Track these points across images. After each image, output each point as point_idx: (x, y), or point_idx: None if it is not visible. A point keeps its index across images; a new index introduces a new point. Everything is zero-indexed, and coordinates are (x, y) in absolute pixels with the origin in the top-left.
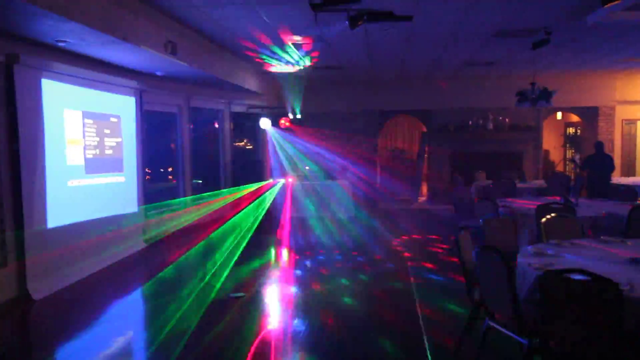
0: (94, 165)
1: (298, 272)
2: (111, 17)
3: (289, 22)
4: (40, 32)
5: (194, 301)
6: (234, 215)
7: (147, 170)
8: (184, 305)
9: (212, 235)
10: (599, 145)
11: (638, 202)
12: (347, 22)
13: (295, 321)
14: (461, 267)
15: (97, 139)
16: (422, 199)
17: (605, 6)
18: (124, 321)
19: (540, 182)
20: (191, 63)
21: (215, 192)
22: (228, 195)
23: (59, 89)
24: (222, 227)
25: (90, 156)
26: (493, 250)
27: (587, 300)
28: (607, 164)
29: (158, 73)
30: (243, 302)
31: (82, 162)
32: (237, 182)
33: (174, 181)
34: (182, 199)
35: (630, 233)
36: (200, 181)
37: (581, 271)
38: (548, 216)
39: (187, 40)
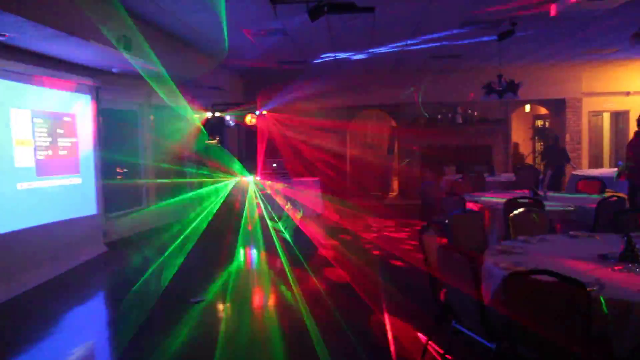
0: (46, 167)
1: (254, 274)
2: (55, 10)
3: (249, 14)
4: None
5: (155, 307)
6: (197, 217)
7: (118, 170)
8: (143, 312)
9: (175, 235)
10: (555, 139)
11: (606, 194)
12: (306, 14)
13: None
14: (425, 267)
15: (49, 139)
16: (393, 194)
17: None
18: (81, 330)
19: (509, 176)
20: (148, 59)
21: (180, 192)
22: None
23: (4, 86)
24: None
25: (42, 157)
26: (456, 250)
27: (555, 303)
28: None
29: (114, 70)
30: (202, 306)
31: (33, 164)
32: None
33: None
34: (145, 201)
35: (598, 227)
36: (166, 180)
37: (548, 272)
38: (516, 211)
39: (142, 35)
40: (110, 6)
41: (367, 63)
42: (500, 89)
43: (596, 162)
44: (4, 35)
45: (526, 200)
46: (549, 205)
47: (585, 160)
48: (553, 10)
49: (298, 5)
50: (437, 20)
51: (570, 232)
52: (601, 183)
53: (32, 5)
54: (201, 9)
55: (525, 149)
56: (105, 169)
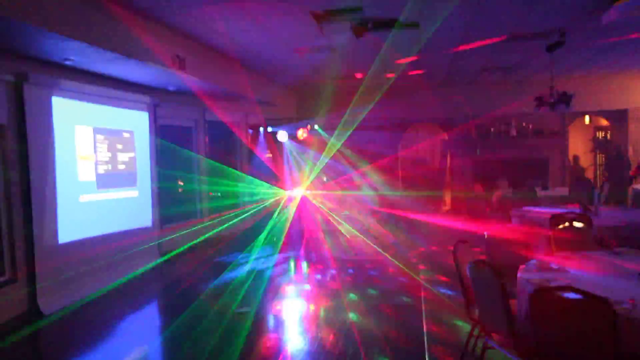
0: (105, 181)
1: (308, 286)
2: (114, 35)
3: (296, 33)
4: (46, 51)
5: (207, 317)
6: (252, 227)
7: (179, 182)
8: (197, 322)
9: (230, 247)
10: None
11: None
12: (350, 31)
13: (298, 337)
14: (460, 282)
15: (109, 154)
16: (446, 208)
17: (615, 4)
18: (136, 338)
19: (563, 190)
20: (201, 77)
21: (233, 203)
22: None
23: (70, 105)
24: (239, 239)
25: (102, 171)
26: (485, 264)
27: (581, 320)
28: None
29: (170, 88)
30: (247, 317)
31: (94, 178)
32: (256, 195)
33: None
34: (199, 210)
35: None
36: (219, 194)
37: (573, 289)
38: (560, 226)
39: (196, 54)
40: (165, 28)
41: (418, 76)
42: (552, 101)
43: None
44: (70, 60)
45: (573, 215)
46: (598, 221)
47: None
48: (604, 19)
49: (343, 23)
50: (484, 34)
51: (615, 249)
52: None
53: (95, 31)
54: (251, 29)
55: (585, 161)
56: (164, 181)
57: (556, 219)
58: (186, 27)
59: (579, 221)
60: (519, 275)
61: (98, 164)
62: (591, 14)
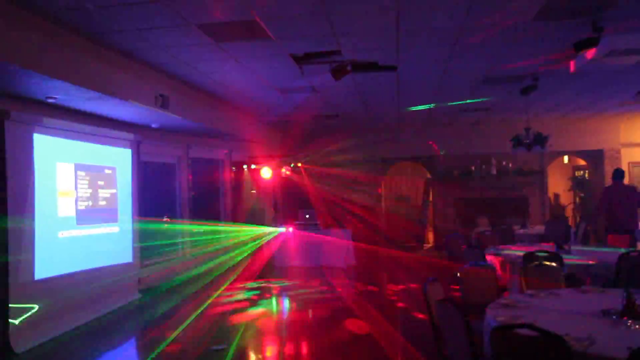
0: (86, 216)
1: (283, 324)
2: (97, 74)
3: (277, 73)
4: (28, 89)
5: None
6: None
7: (166, 219)
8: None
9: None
10: (619, 174)
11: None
12: (329, 73)
13: None
14: (429, 320)
15: (90, 190)
16: (428, 245)
17: (579, 53)
18: None
19: (540, 228)
20: (184, 115)
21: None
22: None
23: (52, 142)
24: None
25: (83, 207)
26: (451, 302)
27: (537, 358)
28: (630, 194)
29: (153, 125)
30: (224, 355)
31: (74, 214)
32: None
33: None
34: (181, 247)
35: (620, 282)
36: (202, 230)
37: (530, 326)
38: (529, 265)
39: (179, 93)
40: (148, 68)
41: (400, 115)
42: (528, 142)
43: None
44: (53, 98)
45: (545, 254)
46: (570, 260)
47: None
48: (572, 66)
49: (322, 65)
50: (460, 78)
51: (583, 287)
52: (631, 237)
53: (77, 71)
54: (234, 70)
55: (565, 200)
56: (147, 218)
57: (528, 258)
58: (169, 66)
59: (549, 260)
60: (487, 312)
61: (78, 200)
62: (561, 60)
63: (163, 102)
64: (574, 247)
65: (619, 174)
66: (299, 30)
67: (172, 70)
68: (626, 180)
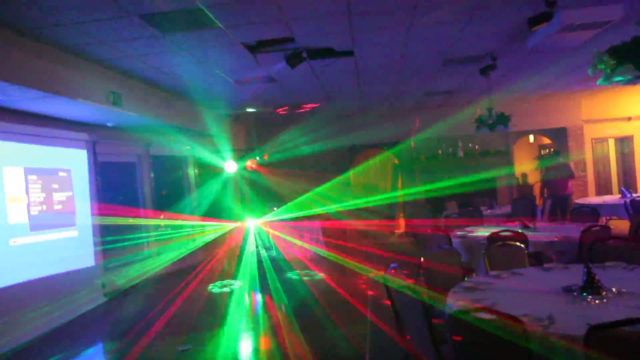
0: (39, 222)
1: (249, 320)
2: (38, 72)
3: (232, 63)
4: None
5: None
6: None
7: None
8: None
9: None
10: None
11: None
12: (285, 61)
13: None
14: (391, 307)
15: (44, 194)
16: (399, 231)
17: (532, 29)
18: None
19: (508, 209)
20: (140, 112)
21: (181, 241)
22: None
23: None
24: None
25: (36, 213)
26: (407, 289)
27: (494, 340)
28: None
29: (109, 124)
30: (189, 356)
31: (26, 220)
32: (206, 228)
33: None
34: (145, 246)
35: (583, 257)
36: (170, 228)
37: (486, 309)
38: (492, 245)
39: (132, 90)
40: (96, 65)
41: (364, 102)
42: (491, 121)
43: (605, 189)
44: None
45: (508, 233)
46: (535, 237)
47: (591, 188)
48: (529, 43)
49: (276, 53)
50: (419, 60)
51: (545, 265)
52: (594, 211)
53: (15, 69)
54: (186, 62)
55: (533, 178)
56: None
57: (492, 238)
58: (118, 62)
59: (514, 239)
60: (448, 297)
61: (30, 205)
62: (517, 38)
63: (115, 100)
64: (539, 225)
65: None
66: (247, 16)
67: (123, 66)
68: (589, 156)
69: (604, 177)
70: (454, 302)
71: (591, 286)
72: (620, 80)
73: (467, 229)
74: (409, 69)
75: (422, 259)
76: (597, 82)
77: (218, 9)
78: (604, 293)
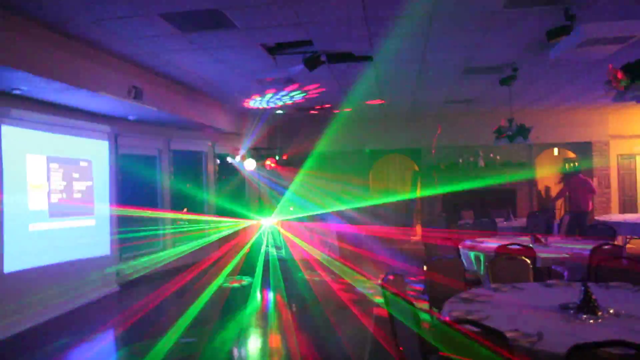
0: (59, 209)
1: (260, 317)
2: (62, 65)
3: (252, 64)
4: None
5: (153, 348)
6: (216, 257)
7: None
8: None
9: (191, 277)
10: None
11: (615, 242)
12: (302, 64)
13: None
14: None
15: (64, 183)
16: (416, 237)
17: (550, 41)
18: None
19: (523, 221)
20: (160, 107)
21: (198, 234)
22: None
23: (21, 134)
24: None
25: (56, 200)
26: (401, 297)
27: (476, 353)
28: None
29: (130, 118)
30: (192, 347)
31: (46, 207)
32: (223, 224)
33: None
34: (162, 239)
35: (591, 276)
36: (187, 222)
37: (472, 322)
38: (496, 259)
39: (153, 85)
40: (118, 60)
41: (385, 108)
42: (510, 133)
43: (630, 206)
44: (19, 89)
45: (516, 247)
46: (544, 253)
47: (615, 205)
48: (552, 55)
49: (295, 55)
50: (438, 68)
51: (548, 281)
52: (611, 229)
53: (41, 62)
54: (207, 61)
55: (555, 192)
56: (126, 210)
57: (499, 251)
58: (140, 58)
59: (521, 254)
60: (444, 306)
61: (51, 192)
62: (538, 50)
63: (136, 94)
64: (552, 240)
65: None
66: (265, 19)
67: (144, 61)
68: (614, 172)
69: (629, 195)
70: (448, 311)
71: (587, 305)
72: (633, 97)
73: (478, 239)
74: (428, 77)
75: (424, 268)
76: (612, 99)
77: (237, 11)
78: (599, 313)
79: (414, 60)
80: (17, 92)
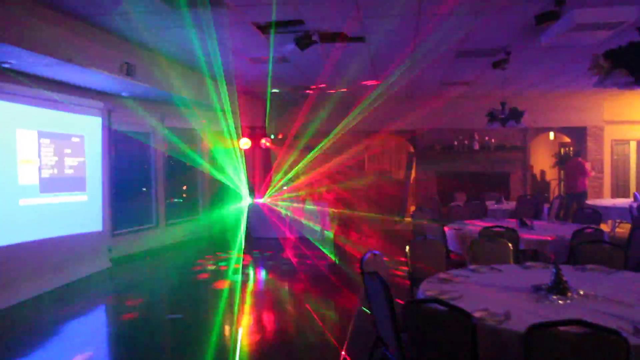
0: (50, 185)
1: (245, 295)
2: (51, 40)
3: (245, 42)
4: None
5: (137, 323)
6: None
7: (143, 189)
8: (126, 328)
9: (182, 255)
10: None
11: (600, 226)
12: (294, 43)
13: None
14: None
15: (56, 158)
16: (409, 219)
17: (539, 26)
18: (68, 343)
19: (513, 205)
20: (153, 84)
21: (192, 212)
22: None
23: (11, 108)
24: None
25: (47, 175)
26: (375, 275)
27: (445, 332)
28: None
29: (123, 94)
30: (179, 323)
31: (37, 181)
32: (216, 202)
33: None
34: (155, 215)
35: (573, 259)
36: (181, 200)
37: (439, 300)
38: (481, 240)
39: (146, 61)
40: (110, 35)
41: (381, 88)
42: (503, 116)
43: (623, 191)
44: (8, 63)
45: (500, 229)
46: (529, 235)
47: (607, 190)
48: (543, 40)
49: (287, 34)
50: (431, 51)
51: (527, 263)
52: (597, 213)
53: (27, 35)
54: (202, 38)
55: (550, 176)
56: (120, 186)
57: (483, 233)
58: (132, 34)
59: (504, 235)
60: (420, 286)
61: (42, 168)
62: (530, 34)
63: (129, 70)
64: (538, 224)
65: (576, 152)
66: None
67: (136, 37)
68: (607, 157)
69: (622, 180)
70: (423, 291)
71: (558, 287)
72: (614, 84)
73: (466, 221)
74: (422, 59)
75: (407, 249)
76: (593, 85)
77: None
78: (569, 294)
79: (407, 42)
80: (6, 65)
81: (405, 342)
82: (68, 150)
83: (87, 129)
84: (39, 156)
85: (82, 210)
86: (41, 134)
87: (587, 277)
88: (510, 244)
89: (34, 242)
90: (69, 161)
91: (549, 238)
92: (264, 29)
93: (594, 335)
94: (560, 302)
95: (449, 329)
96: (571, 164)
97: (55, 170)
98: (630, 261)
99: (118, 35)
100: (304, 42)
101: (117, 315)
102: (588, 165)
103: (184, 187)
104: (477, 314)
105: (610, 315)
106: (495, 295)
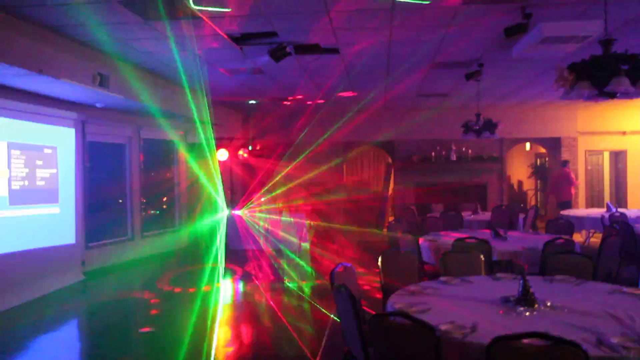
0: (20, 197)
1: (219, 308)
2: (20, 50)
3: (220, 54)
4: None
5: (109, 337)
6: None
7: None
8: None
9: (158, 267)
10: (563, 163)
11: (574, 236)
12: (268, 55)
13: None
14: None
15: (27, 169)
16: (385, 231)
17: (508, 38)
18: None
19: (489, 215)
20: (128, 95)
21: (169, 224)
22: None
23: None
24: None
25: (17, 187)
26: (344, 288)
27: (409, 345)
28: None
29: (98, 105)
30: (149, 337)
31: (6, 193)
32: (193, 214)
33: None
34: (130, 228)
35: (545, 269)
36: (158, 212)
37: (403, 314)
38: (453, 252)
39: (120, 72)
40: (82, 46)
41: (358, 100)
42: (477, 127)
43: (598, 201)
44: None
45: (473, 240)
46: (502, 246)
47: (582, 200)
48: (515, 52)
49: (262, 46)
50: (406, 62)
51: (498, 274)
52: (569, 224)
53: None
54: (172, 49)
55: (528, 186)
56: (94, 199)
57: (456, 244)
58: (105, 45)
59: (476, 247)
60: (389, 299)
61: (12, 179)
62: (502, 47)
63: (102, 81)
64: (512, 234)
65: (563, 162)
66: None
67: (110, 48)
68: (581, 167)
69: (597, 190)
70: (392, 304)
71: (525, 298)
72: (579, 96)
73: (441, 232)
74: (397, 70)
75: (379, 261)
76: (560, 97)
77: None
78: (536, 306)
79: (381, 53)
80: None
81: (372, 356)
82: (40, 162)
83: (60, 140)
84: (9, 167)
85: (54, 223)
86: (11, 145)
87: (556, 288)
88: (482, 256)
89: (4, 255)
90: (41, 172)
91: (521, 249)
92: (238, 40)
93: (554, 347)
94: (527, 313)
95: (414, 343)
96: (556, 173)
97: (26, 182)
98: (599, 271)
99: (91, 46)
100: (278, 53)
101: (89, 329)
102: (573, 175)
103: (164, 199)
104: (443, 327)
105: (574, 327)
106: (464, 308)
